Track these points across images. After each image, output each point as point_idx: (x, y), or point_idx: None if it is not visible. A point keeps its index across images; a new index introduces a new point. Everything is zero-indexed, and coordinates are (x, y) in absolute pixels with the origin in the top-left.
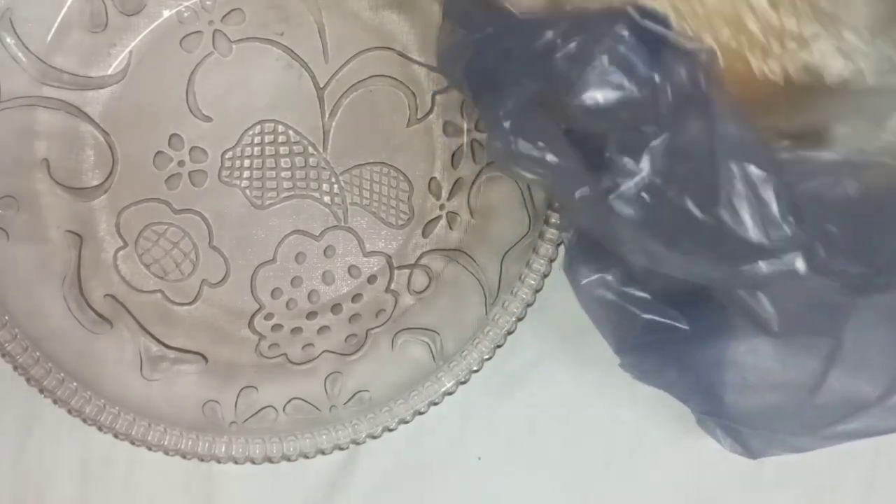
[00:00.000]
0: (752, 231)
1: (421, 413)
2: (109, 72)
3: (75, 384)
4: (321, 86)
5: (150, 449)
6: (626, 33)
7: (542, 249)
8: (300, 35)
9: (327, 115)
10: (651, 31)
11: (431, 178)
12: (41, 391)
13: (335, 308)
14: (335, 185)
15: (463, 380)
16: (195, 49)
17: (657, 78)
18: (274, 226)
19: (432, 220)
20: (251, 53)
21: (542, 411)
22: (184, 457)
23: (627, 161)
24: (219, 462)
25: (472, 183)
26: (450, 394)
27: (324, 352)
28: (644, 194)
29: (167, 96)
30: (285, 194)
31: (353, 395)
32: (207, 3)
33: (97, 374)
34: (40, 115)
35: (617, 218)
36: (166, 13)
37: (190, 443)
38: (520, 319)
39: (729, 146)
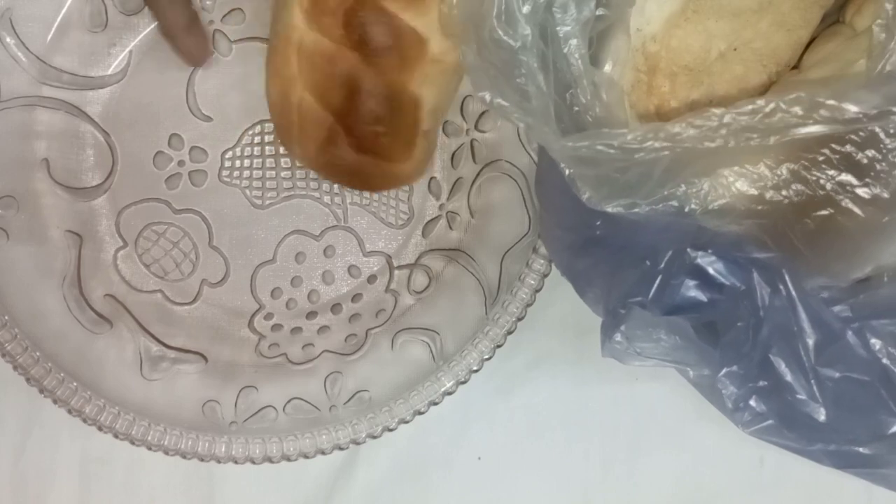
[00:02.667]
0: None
1: (421, 413)
2: (109, 72)
3: (75, 384)
4: None
5: (150, 449)
6: (703, 254)
7: (542, 249)
8: None
9: None
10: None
11: (431, 178)
12: (41, 391)
13: (335, 308)
14: (335, 185)
15: (463, 380)
16: None
17: (740, 284)
18: (274, 226)
19: (432, 219)
20: (251, 53)
21: (542, 411)
22: (184, 457)
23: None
24: (219, 462)
25: (472, 183)
26: (450, 394)
27: (324, 352)
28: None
29: (167, 96)
30: (285, 194)
31: (353, 394)
32: (207, 3)
33: (97, 374)
34: (40, 115)
35: None
36: None
37: (190, 443)
38: (520, 319)
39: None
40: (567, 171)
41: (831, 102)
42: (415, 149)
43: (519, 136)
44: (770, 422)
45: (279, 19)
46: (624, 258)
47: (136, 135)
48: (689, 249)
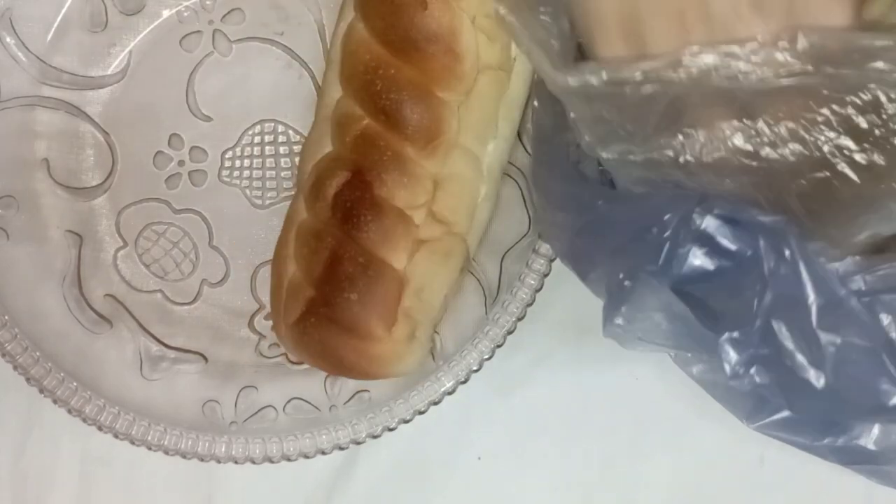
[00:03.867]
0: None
1: (421, 412)
2: (109, 72)
3: (75, 384)
4: (321, 85)
5: (150, 449)
6: (709, 218)
7: (542, 249)
8: (300, 35)
9: None
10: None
11: None
12: (41, 391)
13: None
14: None
15: (463, 379)
16: (195, 49)
17: (747, 251)
18: (274, 225)
19: None
20: (251, 53)
21: (542, 411)
22: (184, 457)
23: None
24: (219, 462)
25: None
26: (450, 393)
27: None
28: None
29: (167, 96)
30: (285, 194)
31: (353, 394)
32: (207, 2)
33: (97, 374)
34: (40, 115)
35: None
36: (166, 13)
37: (190, 443)
38: (520, 319)
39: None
40: (571, 115)
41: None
42: (395, 328)
43: (519, 135)
44: (776, 416)
45: (293, 203)
46: (628, 233)
47: (136, 135)
48: (695, 212)
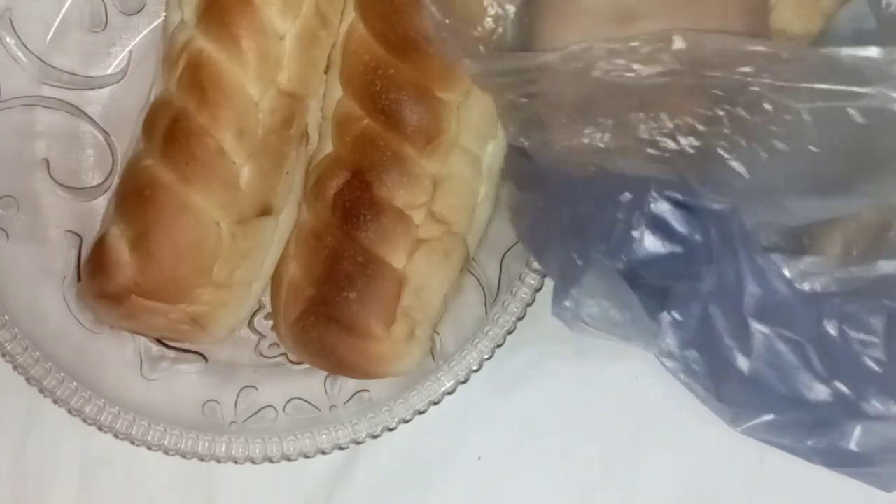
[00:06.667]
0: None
1: (421, 412)
2: (109, 72)
3: (75, 384)
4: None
5: (150, 449)
6: (662, 202)
7: None
8: None
9: None
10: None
11: None
12: (41, 391)
13: None
14: None
15: (462, 379)
16: None
17: (698, 237)
18: None
19: None
20: None
21: (542, 411)
22: (184, 457)
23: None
24: (219, 462)
25: None
26: (450, 393)
27: None
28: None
29: None
30: None
31: (353, 394)
32: None
33: (97, 374)
34: (40, 115)
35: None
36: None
37: (190, 443)
38: (520, 319)
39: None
40: (498, 108)
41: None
42: (394, 327)
43: None
44: (760, 419)
45: (300, 212)
46: (583, 211)
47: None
48: (650, 194)
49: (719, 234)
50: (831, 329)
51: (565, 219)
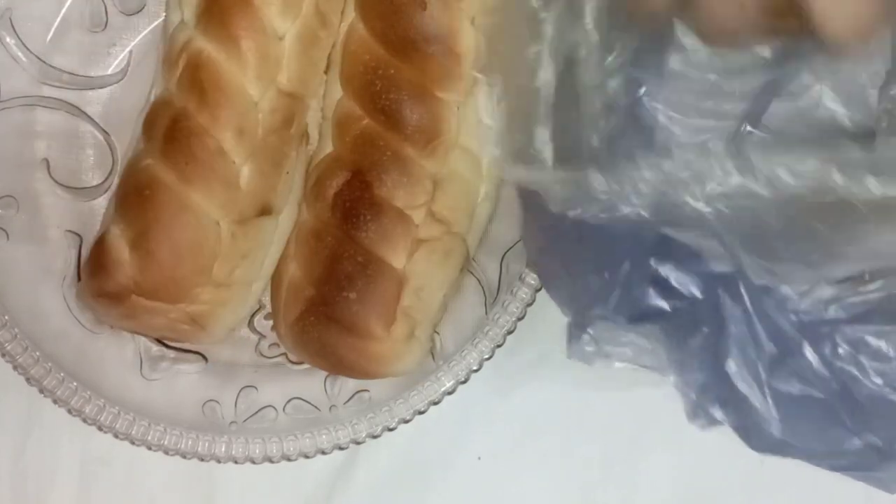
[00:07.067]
0: None
1: (421, 412)
2: (109, 72)
3: (75, 384)
4: None
5: (150, 449)
6: (659, 265)
7: None
8: None
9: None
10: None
11: None
12: (41, 391)
13: None
14: None
15: (462, 379)
16: None
17: (699, 295)
18: None
19: None
20: None
21: (542, 411)
22: (184, 457)
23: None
24: (219, 462)
25: None
26: (450, 393)
27: None
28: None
29: None
30: None
31: (353, 394)
32: None
33: (97, 374)
34: (40, 115)
35: None
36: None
37: (190, 443)
38: (520, 319)
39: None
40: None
41: None
42: (394, 327)
43: None
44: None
45: (300, 212)
46: (588, 262)
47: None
48: (651, 260)
49: (727, 291)
50: (853, 368)
51: (570, 267)
